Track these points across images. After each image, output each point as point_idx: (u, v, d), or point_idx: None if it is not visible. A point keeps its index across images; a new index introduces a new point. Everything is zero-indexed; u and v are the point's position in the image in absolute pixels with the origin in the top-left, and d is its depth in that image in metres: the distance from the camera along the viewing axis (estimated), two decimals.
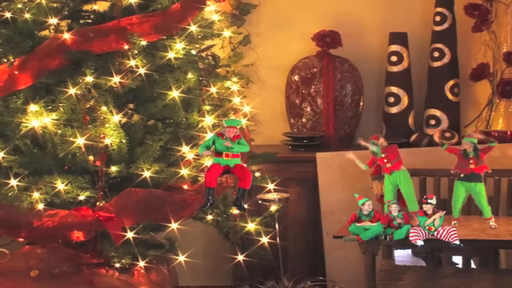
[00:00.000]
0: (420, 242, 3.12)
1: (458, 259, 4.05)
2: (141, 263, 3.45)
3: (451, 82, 4.56)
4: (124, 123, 3.47)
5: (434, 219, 3.12)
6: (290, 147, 4.56)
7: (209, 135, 3.46)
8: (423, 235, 3.13)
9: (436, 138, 4.43)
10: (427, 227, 3.13)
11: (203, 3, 3.62)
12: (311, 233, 4.41)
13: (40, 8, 3.41)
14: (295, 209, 4.36)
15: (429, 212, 3.14)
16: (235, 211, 3.65)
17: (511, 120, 4.52)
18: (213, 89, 3.63)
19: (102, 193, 3.37)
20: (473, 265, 3.99)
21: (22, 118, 3.33)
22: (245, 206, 3.02)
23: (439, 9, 4.55)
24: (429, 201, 3.15)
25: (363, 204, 3.19)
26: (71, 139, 3.29)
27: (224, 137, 2.95)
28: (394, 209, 3.19)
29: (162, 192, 3.42)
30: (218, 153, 2.97)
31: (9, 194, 3.29)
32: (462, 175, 3.32)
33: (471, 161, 3.30)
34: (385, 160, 3.36)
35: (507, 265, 4.13)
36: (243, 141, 2.98)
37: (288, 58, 4.70)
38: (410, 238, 3.13)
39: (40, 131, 3.34)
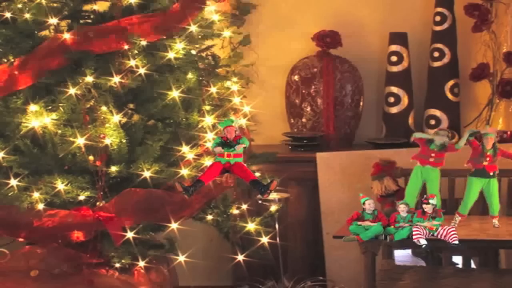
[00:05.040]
0: (423, 241, 3.11)
1: (458, 259, 4.06)
2: (141, 263, 3.45)
3: (451, 82, 4.56)
4: (124, 123, 3.47)
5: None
6: (290, 147, 4.56)
7: (209, 135, 3.46)
8: (424, 234, 3.13)
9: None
10: (428, 227, 3.13)
11: (203, 3, 3.62)
12: (311, 233, 4.41)
13: (40, 8, 3.41)
14: (295, 209, 4.36)
15: (429, 212, 3.14)
16: (235, 211, 3.65)
17: (511, 120, 4.52)
18: (213, 89, 3.63)
19: (102, 193, 3.37)
20: (473, 265, 3.99)
21: (22, 118, 3.33)
22: (265, 184, 3.01)
23: (439, 9, 4.55)
24: (430, 201, 3.15)
25: (363, 203, 3.19)
26: (71, 139, 3.29)
27: (228, 140, 2.97)
28: (403, 209, 3.18)
29: (162, 192, 3.42)
30: (220, 154, 2.99)
31: (9, 194, 3.29)
32: (473, 170, 3.32)
33: (487, 158, 3.29)
34: (433, 154, 3.33)
35: (507, 265, 4.13)
36: (243, 138, 3.00)
37: (288, 58, 4.70)
38: (413, 237, 3.12)
39: (40, 131, 3.33)
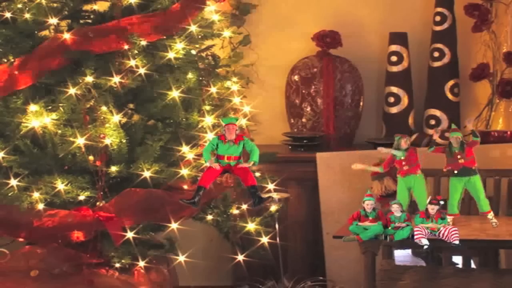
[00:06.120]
0: (425, 242, 3.11)
1: (458, 259, 4.05)
2: (141, 263, 3.45)
3: (451, 82, 4.56)
4: (124, 123, 3.47)
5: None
6: (290, 147, 4.56)
7: (209, 135, 3.46)
8: (426, 234, 3.13)
9: (436, 138, 4.43)
10: (429, 228, 3.13)
11: (203, 3, 3.62)
12: (311, 233, 4.41)
13: (40, 8, 3.41)
14: (295, 209, 4.36)
15: (433, 212, 3.13)
16: (235, 211, 3.65)
17: (511, 120, 4.52)
18: (213, 89, 3.63)
19: (102, 193, 3.37)
20: (473, 265, 3.99)
21: (22, 118, 3.33)
22: (262, 196, 3.04)
23: (439, 9, 4.55)
24: (441, 202, 3.15)
25: (363, 202, 3.19)
26: (71, 139, 3.29)
27: (227, 140, 2.96)
28: (396, 209, 3.18)
29: (162, 192, 3.42)
30: (219, 156, 2.99)
31: (9, 194, 3.29)
32: (455, 172, 3.32)
33: (458, 156, 3.29)
34: (404, 163, 3.34)
35: (507, 265, 4.13)
36: (249, 142, 2.99)
37: (288, 58, 4.70)
38: (415, 237, 3.12)
39: (40, 131, 3.34)
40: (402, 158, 3.35)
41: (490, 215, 3.34)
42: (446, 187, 3.74)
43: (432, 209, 3.14)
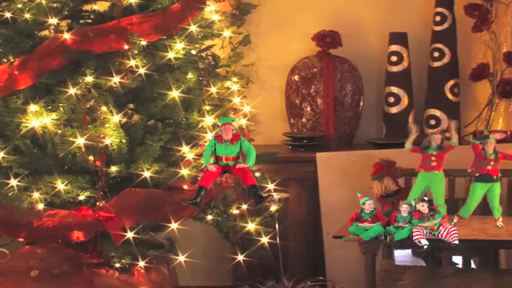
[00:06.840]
0: (424, 242, 3.11)
1: (458, 259, 4.06)
2: (141, 263, 3.45)
3: (451, 82, 4.56)
4: (124, 123, 3.47)
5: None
6: (290, 147, 4.56)
7: (209, 135, 3.46)
8: (425, 234, 3.13)
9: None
10: (429, 227, 3.13)
11: (203, 3, 3.62)
12: (311, 233, 4.41)
13: (40, 8, 3.41)
14: (295, 209, 4.36)
15: (425, 210, 3.13)
16: (235, 211, 3.65)
17: (511, 120, 4.53)
18: (213, 89, 3.63)
19: (102, 193, 3.37)
20: (473, 265, 3.99)
21: (22, 118, 3.33)
22: (262, 195, 3.07)
23: (439, 9, 4.55)
24: (424, 198, 3.15)
25: (363, 203, 3.19)
26: (71, 139, 3.29)
27: (223, 140, 2.98)
28: (405, 209, 3.18)
29: (162, 192, 3.42)
30: (218, 157, 3.00)
31: (9, 194, 3.29)
32: (477, 175, 3.31)
33: (491, 162, 3.29)
34: (433, 158, 3.33)
35: (507, 265, 4.13)
36: (246, 143, 3.00)
37: (288, 58, 4.70)
38: (414, 238, 3.12)
39: (40, 131, 3.34)
40: (434, 153, 3.31)
41: (500, 222, 3.35)
42: (447, 187, 3.75)
43: (423, 206, 3.14)
